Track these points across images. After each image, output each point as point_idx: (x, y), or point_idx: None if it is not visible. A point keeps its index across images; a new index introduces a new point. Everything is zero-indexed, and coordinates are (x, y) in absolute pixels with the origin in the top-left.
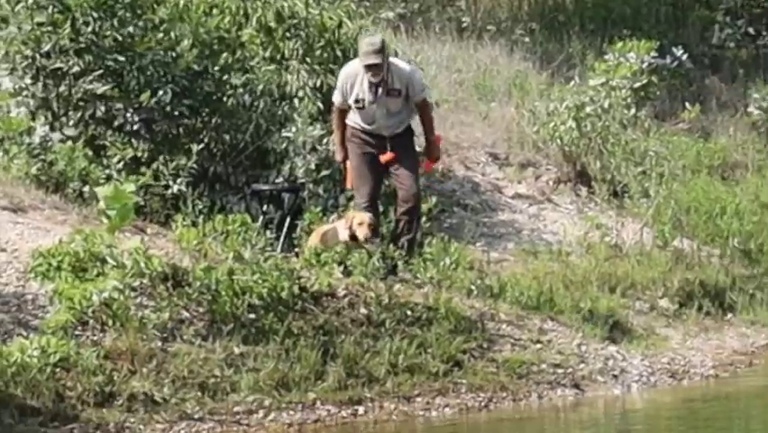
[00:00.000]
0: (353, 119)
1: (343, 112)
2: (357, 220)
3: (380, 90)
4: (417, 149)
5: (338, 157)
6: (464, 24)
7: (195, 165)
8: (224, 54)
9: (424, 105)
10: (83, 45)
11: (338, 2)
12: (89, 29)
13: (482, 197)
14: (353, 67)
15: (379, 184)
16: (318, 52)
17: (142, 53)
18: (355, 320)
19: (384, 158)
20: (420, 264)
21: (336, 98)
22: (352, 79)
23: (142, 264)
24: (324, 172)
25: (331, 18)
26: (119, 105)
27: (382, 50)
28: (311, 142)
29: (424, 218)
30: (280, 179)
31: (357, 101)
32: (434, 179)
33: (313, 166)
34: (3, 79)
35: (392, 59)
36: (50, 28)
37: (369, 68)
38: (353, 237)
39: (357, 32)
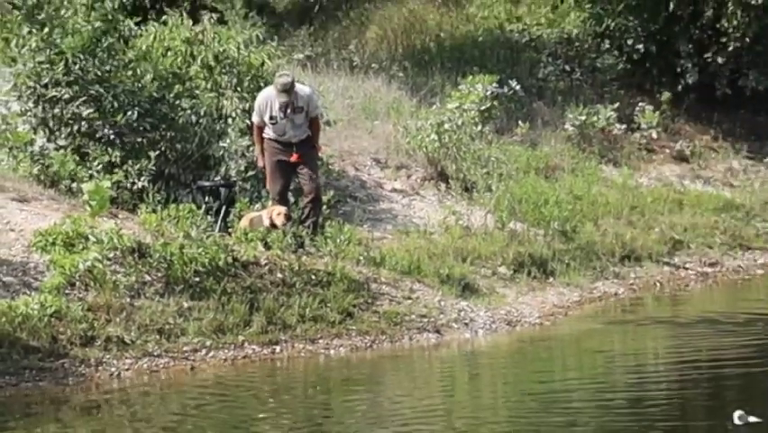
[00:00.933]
0: (268, 133)
1: (260, 129)
2: (276, 211)
3: (288, 109)
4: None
5: (259, 163)
6: (355, 63)
7: (154, 167)
8: (177, 85)
9: (315, 120)
10: (72, 78)
11: (261, 46)
12: (77, 66)
13: (368, 191)
14: (268, 92)
15: (288, 182)
16: (246, 84)
17: (116, 84)
18: (273, 282)
19: (292, 159)
20: (322, 241)
21: (255, 119)
22: (267, 102)
23: (115, 241)
24: (251, 173)
25: (256, 58)
26: (98, 123)
27: (291, 88)
28: (241, 151)
29: (324, 207)
30: (218, 178)
31: (271, 118)
32: (332, 177)
33: (242, 168)
34: (12, 104)
35: (297, 85)
36: (47, 66)
37: (283, 94)
38: (273, 225)
39: (275, 68)
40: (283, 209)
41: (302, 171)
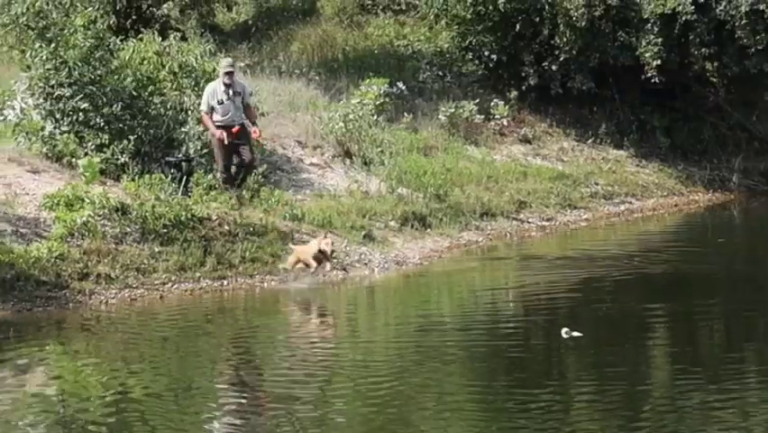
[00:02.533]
0: (215, 117)
1: (208, 114)
2: (324, 244)
3: (231, 91)
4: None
5: (217, 134)
6: (282, 70)
7: (133, 147)
8: (150, 86)
9: (249, 107)
10: (72, 81)
11: (213, 57)
12: (76, 72)
13: (292, 165)
14: (213, 85)
15: (231, 158)
16: (201, 85)
17: (105, 85)
18: (221, 233)
19: (234, 130)
20: (258, 202)
21: (203, 107)
22: (213, 89)
23: (104, 202)
24: (205, 151)
25: (209, 66)
26: (92, 114)
27: (232, 70)
28: (197, 134)
29: (260, 176)
30: (180, 155)
31: (219, 102)
32: (266, 155)
33: (198, 147)
34: (28, 100)
35: (235, 77)
36: (54, 71)
37: (226, 75)
38: (318, 260)
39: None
40: (330, 239)
41: (243, 148)
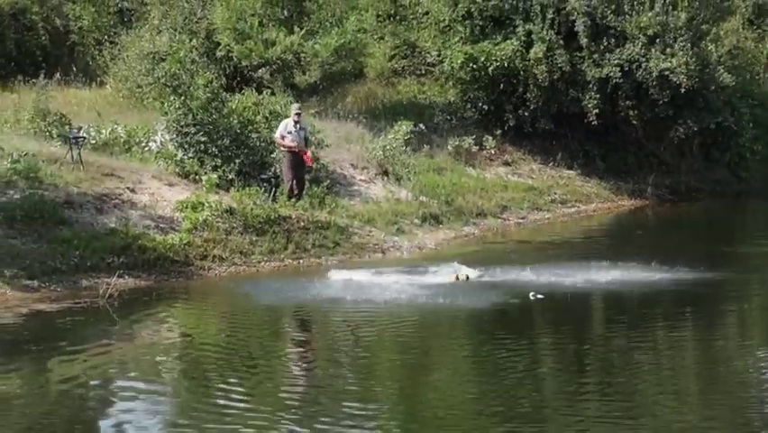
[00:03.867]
0: (287, 141)
1: (281, 138)
2: (462, 274)
3: (298, 126)
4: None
5: (293, 147)
6: (340, 115)
7: (237, 168)
8: (249, 126)
9: (307, 139)
10: (196, 122)
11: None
12: (198, 116)
13: (347, 180)
14: (286, 120)
15: (295, 175)
16: None
17: (218, 125)
18: (299, 227)
19: (306, 157)
20: (324, 206)
21: (277, 134)
22: (286, 123)
23: (218, 206)
24: None
25: (290, 112)
26: (209, 145)
27: (300, 112)
28: (281, 160)
29: (325, 188)
30: (270, 173)
31: (289, 132)
32: (329, 173)
33: (280, 169)
34: (165, 135)
35: (301, 117)
36: (183, 116)
37: (296, 114)
38: (457, 278)
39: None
40: (467, 272)
41: (302, 170)
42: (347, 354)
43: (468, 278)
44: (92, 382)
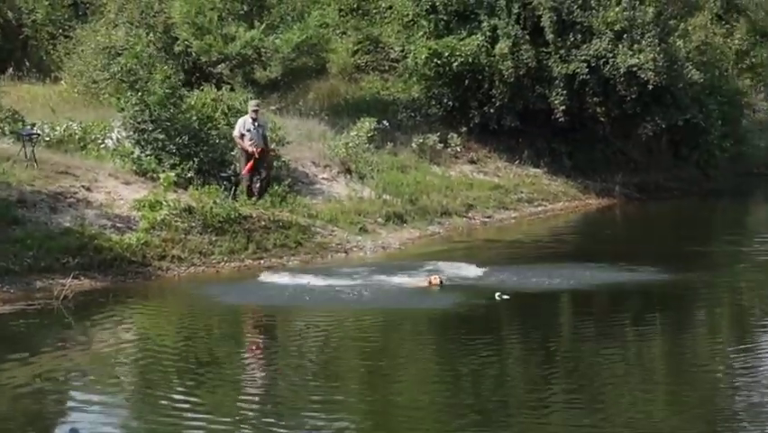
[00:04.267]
0: (246, 143)
1: (240, 137)
2: (433, 280)
3: (257, 123)
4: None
5: (249, 149)
6: (302, 111)
7: (196, 166)
8: (208, 123)
9: (265, 137)
10: (153, 119)
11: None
12: (156, 113)
13: (309, 179)
14: (244, 118)
15: (254, 174)
16: None
17: (176, 122)
18: (259, 226)
19: (258, 151)
20: (285, 205)
21: (236, 133)
22: (244, 121)
23: (176, 204)
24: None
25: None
26: (167, 142)
27: (258, 108)
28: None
29: (286, 187)
30: (230, 171)
31: (248, 130)
32: (290, 171)
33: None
34: (122, 132)
35: (259, 114)
36: (140, 112)
37: (254, 111)
38: (430, 283)
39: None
40: (438, 278)
41: (263, 167)
42: (303, 356)
43: (442, 283)
44: (45, 388)
